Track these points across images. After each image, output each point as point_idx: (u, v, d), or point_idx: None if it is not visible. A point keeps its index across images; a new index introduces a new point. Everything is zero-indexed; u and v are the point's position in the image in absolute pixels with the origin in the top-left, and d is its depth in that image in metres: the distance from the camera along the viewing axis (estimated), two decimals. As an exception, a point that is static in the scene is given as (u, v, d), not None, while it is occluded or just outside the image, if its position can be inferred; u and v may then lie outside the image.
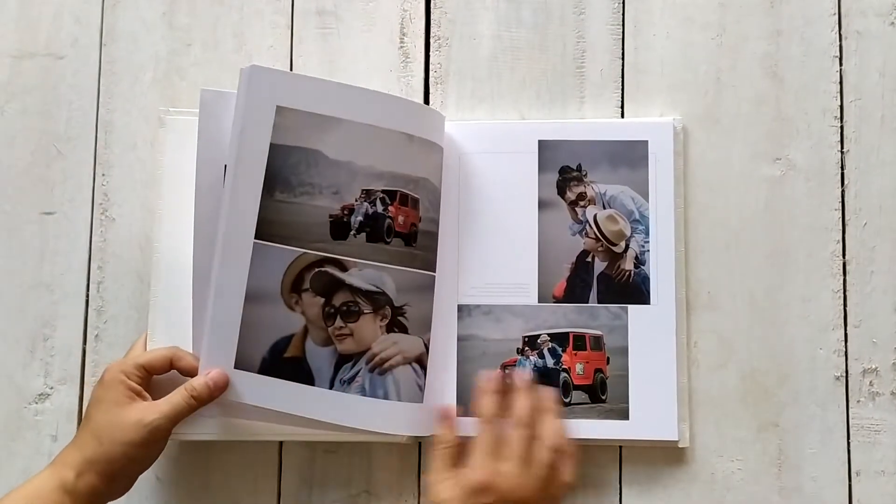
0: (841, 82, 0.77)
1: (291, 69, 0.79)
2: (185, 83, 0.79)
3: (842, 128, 0.76)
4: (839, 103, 0.77)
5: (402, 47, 0.79)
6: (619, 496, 0.74)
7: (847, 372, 0.74)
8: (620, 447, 0.74)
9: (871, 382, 0.74)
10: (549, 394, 0.69)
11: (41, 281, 0.78)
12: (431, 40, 0.80)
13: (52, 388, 0.77)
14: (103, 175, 0.79)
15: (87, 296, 0.77)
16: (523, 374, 0.71)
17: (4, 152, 0.79)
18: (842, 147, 0.76)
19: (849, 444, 0.74)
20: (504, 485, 0.64)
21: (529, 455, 0.66)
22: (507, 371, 0.73)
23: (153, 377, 0.70)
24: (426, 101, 0.79)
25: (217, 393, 0.68)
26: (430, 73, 0.79)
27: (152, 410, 0.66)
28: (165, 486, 0.75)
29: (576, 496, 0.74)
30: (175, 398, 0.67)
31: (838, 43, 0.77)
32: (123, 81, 0.80)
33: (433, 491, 0.66)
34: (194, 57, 0.80)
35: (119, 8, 0.80)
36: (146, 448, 0.66)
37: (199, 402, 0.67)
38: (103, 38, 0.80)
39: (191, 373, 0.69)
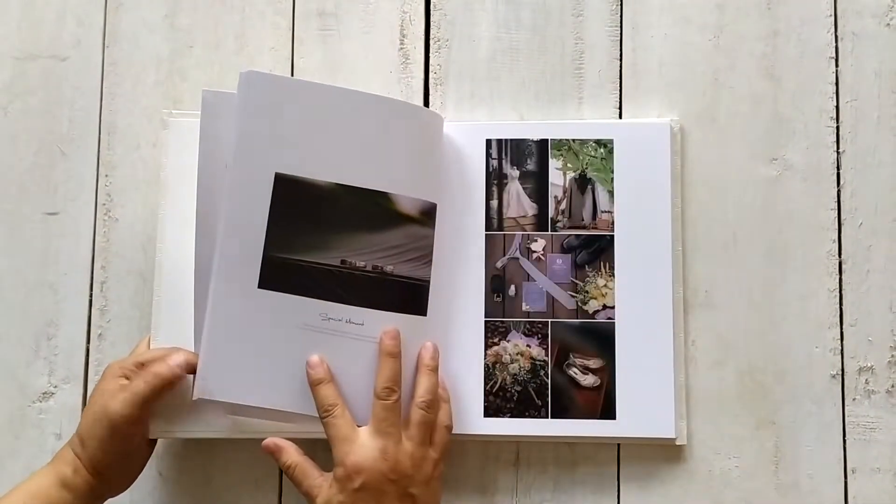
0: (837, 83, 0.78)
1: (292, 70, 0.80)
2: (186, 84, 0.80)
3: (838, 128, 0.77)
4: (835, 104, 0.77)
5: (401, 49, 0.80)
6: (617, 493, 0.75)
7: (843, 370, 0.75)
8: (619, 444, 0.75)
9: (866, 381, 0.75)
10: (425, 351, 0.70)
11: (45, 280, 0.78)
12: (431, 42, 0.80)
13: (55, 386, 0.77)
14: (106, 176, 0.79)
15: (91, 295, 0.78)
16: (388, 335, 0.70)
17: (8, 153, 0.80)
18: (838, 147, 0.77)
19: (845, 441, 0.74)
20: (367, 462, 0.64)
21: (389, 421, 0.66)
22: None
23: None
24: (426, 102, 0.79)
25: (178, 372, 0.67)
26: (430, 74, 0.80)
27: (114, 400, 0.66)
28: (168, 483, 0.76)
29: (574, 493, 0.75)
30: (135, 383, 0.67)
31: (834, 44, 0.78)
32: (126, 82, 0.80)
33: (313, 500, 0.66)
34: (196, 58, 0.80)
35: (121, 10, 0.81)
36: (116, 440, 0.66)
37: (161, 383, 0.66)
38: (106, 39, 0.81)
39: (191, 371, 0.69)
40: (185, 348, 0.71)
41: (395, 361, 0.68)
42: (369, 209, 0.71)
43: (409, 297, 0.72)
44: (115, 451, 0.67)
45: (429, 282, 0.73)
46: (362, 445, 0.65)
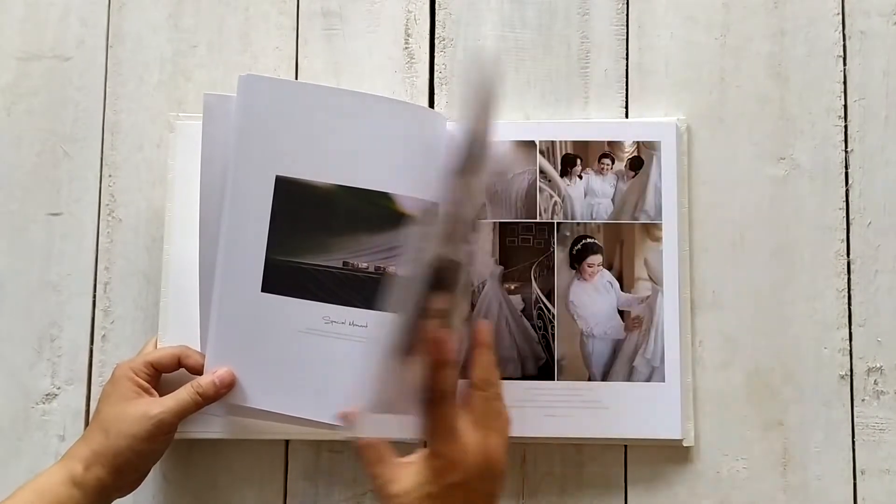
0: (845, 82, 0.77)
1: (297, 70, 0.80)
2: (190, 84, 0.80)
3: (846, 127, 0.77)
4: (843, 103, 0.77)
5: (406, 48, 0.80)
6: (624, 495, 0.74)
7: (852, 371, 0.74)
8: (626, 446, 0.74)
9: (875, 381, 0.74)
10: (483, 326, 0.67)
11: (48, 281, 0.78)
12: (436, 41, 0.80)
13: (59, 388, 0.77)
14: (110, 176, 0.79)
15: (94, 296, 0.78)
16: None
17: (11, 153, 0.79)
18: (846, 146, 0.77)
19: (853, 442, 0.74)
20: (469, 457, 0.61)
21: (491, 415, 0.63)
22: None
23: (163, 376, 0.71)
24: (431, 101, 0.79)
25: (223, 391, 0.68)
26: (435, 73, 0.80)
27: (158, 405, 0.67)
28: (172, 484, 0.76)
29: (581, 494, 0.74)
30: (181, 394, 0.68)
31: (842, 43, 0.77)
32: (129, 83, 0.80)
33: (385, 485, 0.61)
34: (200, 58, 0.80)
35: (125, 10, 0.81)
36: (151, 442, 0.67)
37: (205, 400, 0.68)
38: (109, 39, 0.81)
39: (198, 371, 0.70)
40: (192, 347, 0.71)
41: (490, 351, 0.65)
42: (370, 210, 0.71)
43: None
44: (141, 451, 0.67)
45: None
46: (468, 441, 0.61)
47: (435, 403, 0.61)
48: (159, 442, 0.68)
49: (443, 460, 0.60)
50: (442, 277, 0.61)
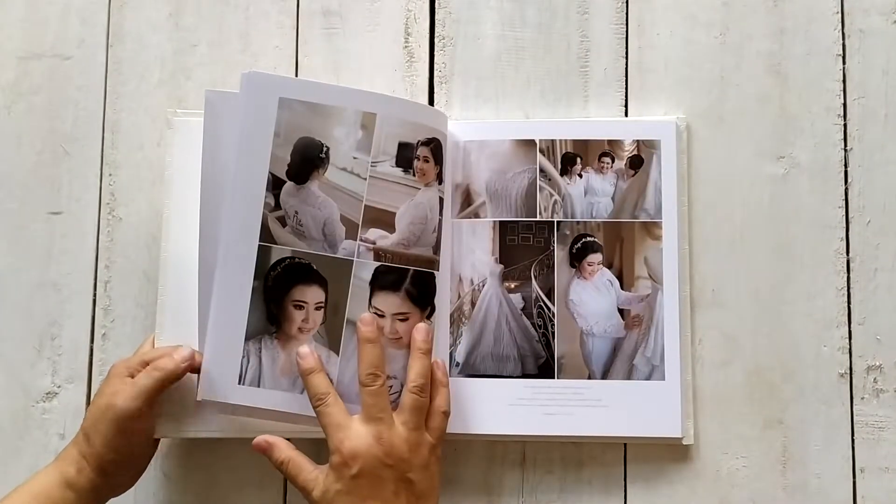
0: (844, 80, 0.77)
1: (297, 69, 0.80)
2: (191, 83, 0.80)
3: (845, 126, 0.77)
4: (842, 101, 0.77)
5: (406, 47, 0.80)
6: (623, 494, 0.74)
7: (851, 369, 0.75)
8: (625, 444, 0.74)
9: (875, 379, 0.74)
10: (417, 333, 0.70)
11: (49, 280, 0.78)
12: (436, 40, 0.80)
13: (59, 386, 0.77)
14: (110, 175, 0.79)
15: (95, 295, 0.78)
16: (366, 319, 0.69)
17: (12, 152, 0.80)
18: (845, 145, 0.77)
19: (853, 440, 0.74)
20: (362, 448, 0.64)
21: (378, 406, 0.65)
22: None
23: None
24: (431, 100, 0.79)
25: (183, 365, 0.67)
26: (435, 72, 0.80)
27: (118, 395, 0.66)
28: (173, 483, 0.76)
29: (581, 493, 0.74)
30: (139, 378, 0.67)
31: (841, 41, 0.78)
32: (130, 82, 0.80)
33: (309, 493, 0.65)
34: (200, 57, 0.80)
35: (126, 9, 0.81)
36: (123, 436, 0.66)
37: (166, 376, 0.67)
38: (110, 38, 0.81)
39: (197, 371, 0.69)
40: (191, 346, 0.70)
41: (375, 346, 0.67)
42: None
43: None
44: (119, 448, 0.66)
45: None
46: (356, 432, 0.65)
47: (316, 406, 0.67)
48: (135, 434, 0.67)
49: (339, 456, 0.64)
50: (298, 272, 0.69)
